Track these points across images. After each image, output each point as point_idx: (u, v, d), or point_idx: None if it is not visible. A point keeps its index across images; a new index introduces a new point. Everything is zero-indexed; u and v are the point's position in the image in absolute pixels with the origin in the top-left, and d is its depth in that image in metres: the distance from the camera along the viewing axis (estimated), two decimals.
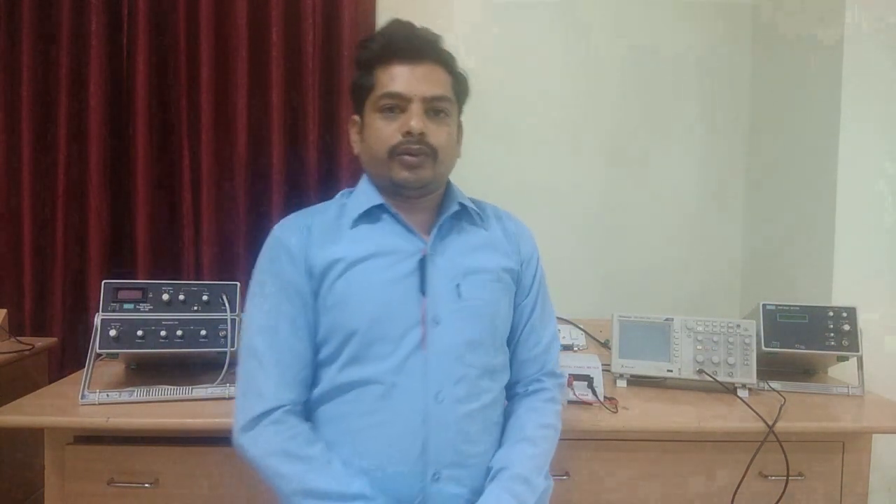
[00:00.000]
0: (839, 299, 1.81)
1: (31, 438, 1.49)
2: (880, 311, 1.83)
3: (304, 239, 1.06)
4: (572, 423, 1.42)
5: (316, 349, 1.06)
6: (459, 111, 1.15)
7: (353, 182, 2.21)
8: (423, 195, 1.10)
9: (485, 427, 1.06)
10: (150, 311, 1.54)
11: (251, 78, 2.13)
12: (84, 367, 1.47)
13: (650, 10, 2.22)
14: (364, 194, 1.11)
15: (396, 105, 1.05)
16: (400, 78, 1.05)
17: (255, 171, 2.16)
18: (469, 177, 1.37)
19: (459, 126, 1.17)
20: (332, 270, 1.04)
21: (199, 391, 1.49)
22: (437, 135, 1.05)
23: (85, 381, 1.45)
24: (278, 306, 1.04)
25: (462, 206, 1.13)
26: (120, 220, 2.16)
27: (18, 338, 2.02)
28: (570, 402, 1.49)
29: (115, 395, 1.45)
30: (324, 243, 1.06)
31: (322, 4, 2.14)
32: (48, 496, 1.41)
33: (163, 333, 1.52)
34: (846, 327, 1.64)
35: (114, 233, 2.15)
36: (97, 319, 1.49)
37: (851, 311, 1.65)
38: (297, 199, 2.18)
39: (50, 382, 1.75)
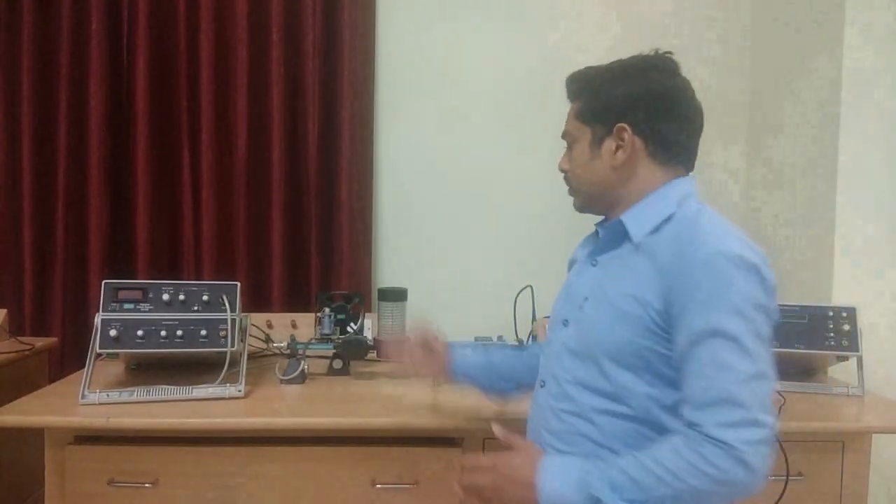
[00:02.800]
0: (839, 299, 1.81)
1: (31, 438, 1.49)
2: (880, 312, 1.83)
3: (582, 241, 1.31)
4: None
5: None
6: (601, 126, 1.11)
7: (352, 182, 2.21)
8: (601, 214, 1.19)
9: (567, 431, 1.09)
10: (150, 311, 1.54)
11: (251, 78, 2.14)
12: (84, 367, 1.47)
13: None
14: None
15: None
16: None
17: (256, 171, 2.16)
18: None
19: (604, 137, 1.11)
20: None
21: (199, 391, 1.50)
22: (568, 165, 1.18)
23: (85, 381, 1.45)
24: None
25: (621, 224, 1.09)
26: (120, 220, 2.16)
27: (19, 338, 2.03)
28: None
29: (115, 395, 1.46)
30: (581, 245, 1.29)
31: (322, 5, 2.14)
32: (48, 496, 1.41)
33: (163, 333, 1.52)
34: (846, 327, 1.64)
35: (114, 233, 2.16)
36: (97, 319, 1.50)
37: (851, 311, 1.65)
38: (297, 199, 2.18)
39: (50, 382, 1.75)
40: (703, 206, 1.07)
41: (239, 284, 1.61)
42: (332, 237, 2.18)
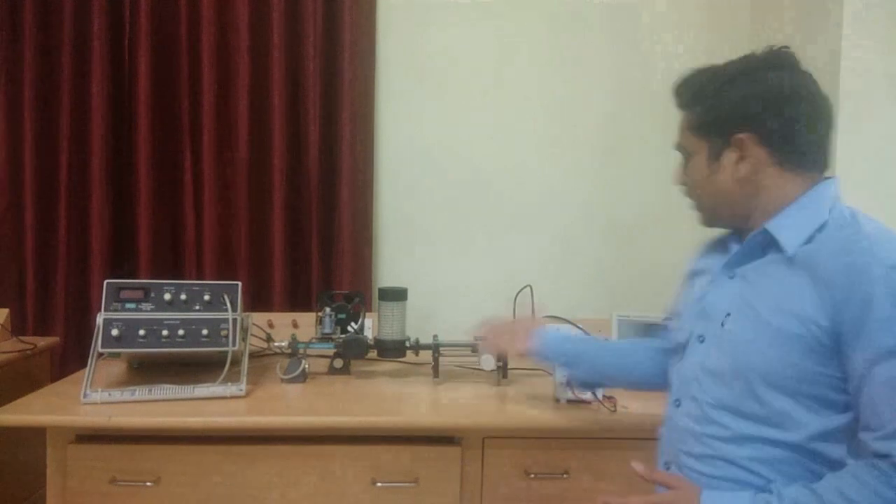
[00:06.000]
0: None
1: (33, 437, 1.50)
2: None
3: (701, 249, 1.21)
4: (570, 421, 1.44)
5: None
6: (718, 138, 1.03)
7: (353, 183, 2.22)
8: (731, 228, 1.12)
9: (711, 455, 1.01)
10: (151, 310, 1.55)
11: (252, 80, 2.14)
12: (86, 366, 1.48)
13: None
14: None
15: None
16: None
17: (257, 171, 2.17)
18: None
19: (722, 149, 1.04)
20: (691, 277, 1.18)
21: (201, 390, 1.50)
22: (685, 179, 1.12)
23: (87, 381, 1.46)
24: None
25: (767, 232, 1.00)
26: (122, 219, 2.17)
27: (21, 337, 2.03)
28: (568, 400, 1.51)
29: (116, 394, 1.46)
30: (704, 254, 1.19)
31: (323, 6, 2.15)
32: (50, 495, 1.42)
33: (164, 333, 1.53)
34: None
35: (116, 232, 2.16)
36: (99, 319, 1.50)
37: None
38: (298, 199, 2.19)
39: (52, 382, 1.76)
40: (855, 211, 1.00)
41: (240, 284, 1.62)
42: (333, 237, 2.19)
